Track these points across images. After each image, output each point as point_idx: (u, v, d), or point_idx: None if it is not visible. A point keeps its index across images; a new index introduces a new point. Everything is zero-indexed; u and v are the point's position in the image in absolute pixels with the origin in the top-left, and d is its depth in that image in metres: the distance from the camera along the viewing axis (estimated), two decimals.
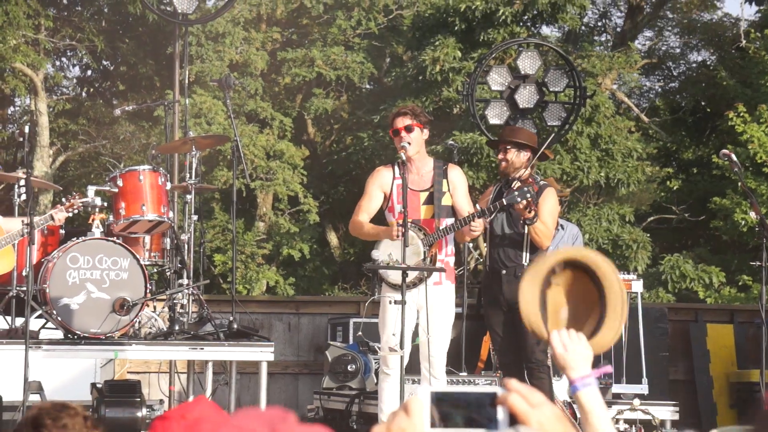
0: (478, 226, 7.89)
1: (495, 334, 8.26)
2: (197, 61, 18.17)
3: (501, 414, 2.17)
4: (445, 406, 2.17)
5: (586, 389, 2.92)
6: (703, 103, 22.39)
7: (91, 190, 8.59)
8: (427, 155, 8.35)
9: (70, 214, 8.50)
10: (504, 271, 8.22)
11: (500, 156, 8.35)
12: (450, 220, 8.08)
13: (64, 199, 8.40)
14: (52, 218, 8.13)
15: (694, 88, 22.72)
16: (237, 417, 2.07)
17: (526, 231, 8.23)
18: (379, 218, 8.27)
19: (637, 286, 10.08)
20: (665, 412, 9.64)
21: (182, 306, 8.73)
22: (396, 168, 8.14)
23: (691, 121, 22.22)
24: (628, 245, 17.97)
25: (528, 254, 8.26)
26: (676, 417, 9.19)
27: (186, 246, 8.85)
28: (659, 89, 24.39)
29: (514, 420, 2.17)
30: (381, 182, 8.15)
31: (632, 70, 21.58)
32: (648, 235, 18.50)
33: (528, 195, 8.07)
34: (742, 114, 19.13)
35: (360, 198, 8.27)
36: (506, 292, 8.13)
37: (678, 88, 23.89)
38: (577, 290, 3.31)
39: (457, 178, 8.19)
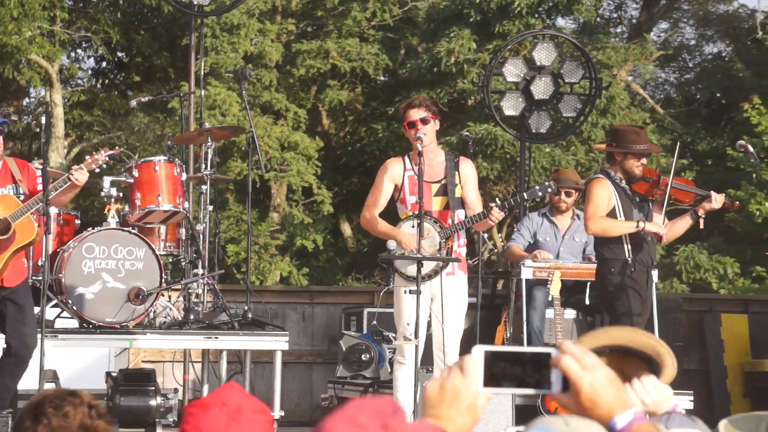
0: (498, 217, 7.94)
1: (635, 323, 8.31)
2: (212, 52, 18.18)
3: (554, 375, 2.16)
4: (498, 365, 2.17)
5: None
6: (718, 95, 22.34)
7: (107, 180, 8.63)
8: (438, 147, 8.37)
9: (97, 169, 8.38)
10: (649, 268, 8.41)
11: (641, 162, 8.41)
12: (461, 212, 8.11)
13: (87, 157, 8.29)
14: (69, 179, 7.97)
15: (709, 79, 22.67)
16: (347, 409, 2.05)
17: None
18: (391, 210, 8.28)
19: (652, 277, 10.07)
20: (679, 402, 9.64)
21: (197, 295, 8.76)
22: (407, 159, 8.16)
23: (706, 113, 22.17)
24: None
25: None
26: (691, 406, 9.19)
27: (201, 236, 8.89)
28: (674, 81, 24.35)
29: (566, 382, 2.16)
30: (392, 174, 8.16)
31: (647, 61, 21.55)
32: None
33: (549, 189, 8.21)
34: (757, 106, 19.09)
35: (371, 190, 8.28)
36: (649, 287, 8.42)
37: (693, 79, 23.84)
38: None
39: (469, 171, 8.21)
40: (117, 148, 8.73)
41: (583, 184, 10.42)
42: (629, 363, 3.23)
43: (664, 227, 8.29)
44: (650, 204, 8.45)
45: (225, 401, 2.88)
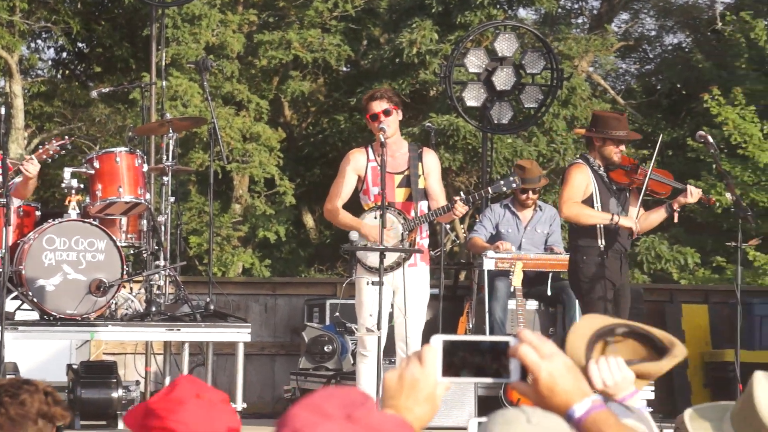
0: (462, 210, 7.95)
1: (603, 310, 8.31)
2: (173, 43, 18.10)
3: (513, 364, 2.16)
4: (457, 354, 2.17)
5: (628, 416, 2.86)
6: (678, 86, 22.45)
7: (68, 171, 8.58)
8: (402, 138, 8.37)
9: (49, 160, 8.36)
10: (622, 256, 8.37)
11: (620, 148, 8.39)
12: (424, 203, 8.11)
13: (39, 147, 8.27)
14: (20, 171, 7.96)
15: (669, 70, 22.78)
16: (314, 397, 2.05)
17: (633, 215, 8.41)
18: (354, 202, 8.28)
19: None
20: (641, 393, 9.69)
21: (159, 287, 8.73)
22: (370, 150, 8.15)
23: (666, 104, 22.28)
24: None
25: (631, 238, 8.52)
26: (651, 396, 9.25)
27: (163, 228, 8.86)
28: (635, 72, 24.46)
29: (525, 370, 2.17)
30: (355, 165, 8.15)
31: (608, 52, 21.63)
32: None
33: (514, 184, 8.24)
34: (717, 97, 19.20)
35: (334, 181, 8.28)
36: (623, 274, 8.37)
37: (654, 70, 23.96)
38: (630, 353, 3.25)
39: (432, 162, 8.21)
40: (66, 137, 8.69)
41: (545, 175, 10.46)
42: (639, 347, 3.20)
43: (637, 223, 8.29)
44: (627, 193, 8.47)
45: (198, 393, 2.86)
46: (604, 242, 8.28)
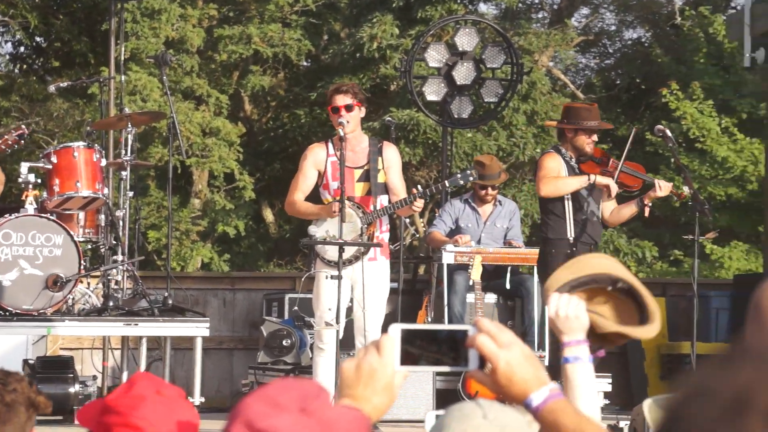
0: (420, 205, 7.97)
1: None
2: (132, 37, 18.00)
3: (471, 352, 2.16)
4: (415, 343, 2.16)
5: (577, 363, 2.82)
6: (637, 81, 22.56)
7: (25, 166, 8.53)
8: (362, 132, 8.37)
9: (7, 150, 8.32)
10: (592, 248, 8.36)
11: (593, 138, 8.39)
12: (385, 198, 8.12)
13: None
14: None
15: (629, 65, 22.88)
16: (268, 388, 2.03)
17: (602, 207, 8.41)
18: (314, 196, 8.27)
19: None
20: (597, 384, 9.73)
21: (116, 282, 8.70)
22: (330, 145, 8.15)
23: (625, 98, 22.38)
24: None
25: (602, 230, 8.53)
26: (608, 388, 9.29)
27: (121, 222, 8.82)
28: (595, 66, 24.54)
29: (483, 359, 2.16)
30: (315, 160, 8.15)
31: (568, 47, 21.69)
32: None
33: (471, 177, 8.24)
34: (675, 91, 19.31)
35: (294, 176, 8.27)
36: None
37: (613, 65, 24.05)
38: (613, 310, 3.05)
39: (392, 156, 8.22)
40: (24, 127, 8.63)
41: (504, 170, 10.48)
42: (622, 307, 3.07)
43: (614, 184, 8.27)
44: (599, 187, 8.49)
45: (157, 390, 2.84)
46: (573, 234, 8.30)
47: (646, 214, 8.50)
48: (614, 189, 8.26)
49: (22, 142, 8.71)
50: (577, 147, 8.35)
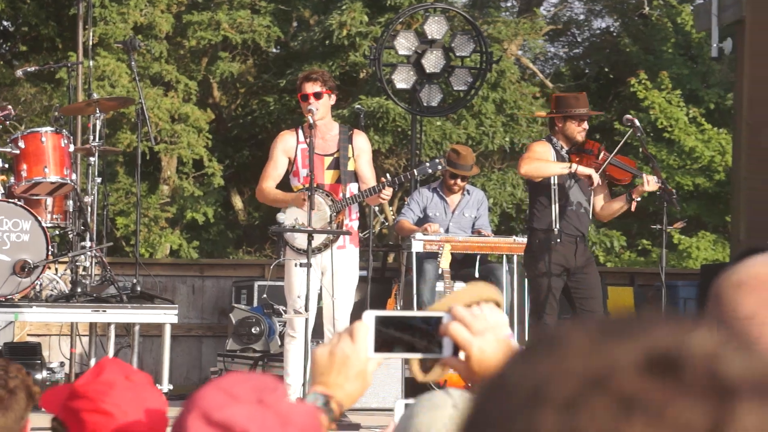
0: (388, 193, 7.98)
1: (551, 297, 8.30)
2: (101, 22, 17.92)
3: (445, 339, 2.15)
4: (389, 330, 2.16)
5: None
6: (606, 70, 22.62)
7: None
8: (333, 120, 8.37)
9: None
10: (578, 238, 8.33)
11: (583, 126, 8.39)
12: (354, 186, 8.12)
13: None
14: None
15: (597, 54, 22.94)
16: (225, 379, 2.02)
17: (591, 201, 8.41)
18: (285, 183, 8.26)
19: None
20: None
21: (84, 268, 8.67)
22: (300, 132, 8.15)
23: (594, 88, 22.43)
24: None
25: (590, 221, 8.51)
26: None
27: (89, 208, 8.78)
28: (563, 55, 24.59)
29: (457, 346, 2.16)
30: (285, 147, 8.15)
31: (537, 36, 21.73)
32: None
33: (439, 165, 8.25)
34: (643, 81, 19.38)
35: (265, 163, 8.26)
36: (578, 258, 8.30)
37: (582, 54, 24.11)
38: None
39: (362, 144, 8.22)
40: (9, 107, 8.58)
41: (476, 163, 10.49)
42: None
43: (597, 176, 8.26)
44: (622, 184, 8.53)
45: (126, 375, 2.83)
46: (557, 225, 8.31)
47: (633, 208, 8.51)
48: (596, 179, 8.26)
49: (8, 122, 8.65)
50: (567, 136, 8.36)
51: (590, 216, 8.60)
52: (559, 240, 8.26)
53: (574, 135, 8.35)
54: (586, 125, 8.43)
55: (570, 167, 8.22)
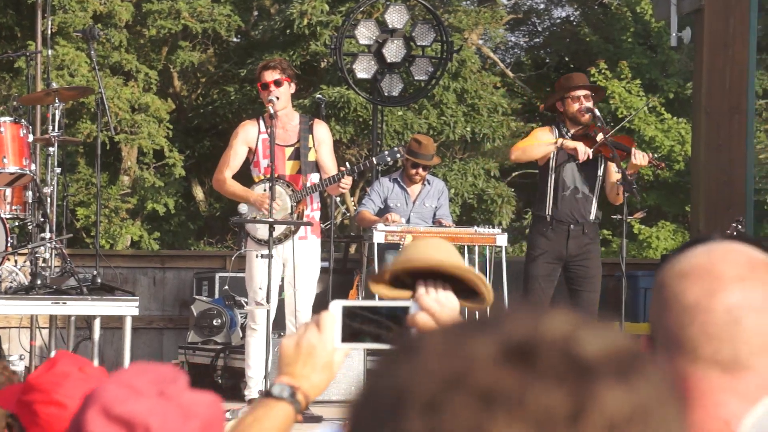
0: (348, 183, 7.97)
1: (537, 285, 8.28)
2: (60, 11, 17.79)
3: (413, 329, 2.15)
4: (356, 320, 2.14)
5: None
6: (566, 59, 22.68)
7: None
8: (293, 110, 8.35)
9: None
10: (572, 226, 8.29)
11: (581, 103, 8.31)
12: (316, 176, 8.10)
13: None
14: None
15: (558, 43, 23.00)
16: (125, 372, 2.00)
17: (597, 185, 8.35)
18: (244, 174, 8.24)
19: (502, 240, 10.20)
20: None
21: (44, 260, 8.61)
22: (261, 122, 8.12)
23: (555, 77, 22.44)
24: (493, 200, 18.18)
25: (596, 209, 8.41)
26: None
27: (48, 199, 8.72)
28: (524, 45, 24.63)
29: None
30: (246, 137, 8.12)
31: (498, 25, 21.75)
32: (512, 189, 18.73)
33: (398, 154, 8.25)
34: (603, 70, 19.44)
35: (224, 152, 8.23)
36: (571, 247, 8.22)
37: (542, 44, 24.15)
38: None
39: (323, 134, 8.21)
40: None
41: (437, 151, 10.50)
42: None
43: (586, 148, 8.18)
44: (599, 161, 8.44)
45: (80, 367, 2.82)
46: (550, 212, 8.31)
47: (619, 194, 8.38)
48: (581, 153, 8.19)
49: None
50: (569, 116, 8.35)
51: (594, 203, 8.54)
52: (551, 226, 8.27)
53: (573, 111, 8.33)
54: (584, 101, 8.35)
55: (556, 143, 8.23)
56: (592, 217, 8.52)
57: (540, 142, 8.29)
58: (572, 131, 8.40)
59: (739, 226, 8.73)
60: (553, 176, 8.32)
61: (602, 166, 8.48)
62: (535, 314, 1.02)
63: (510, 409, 0.97)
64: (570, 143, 8.22)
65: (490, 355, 0.99)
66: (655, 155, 8.97)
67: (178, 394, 1.95)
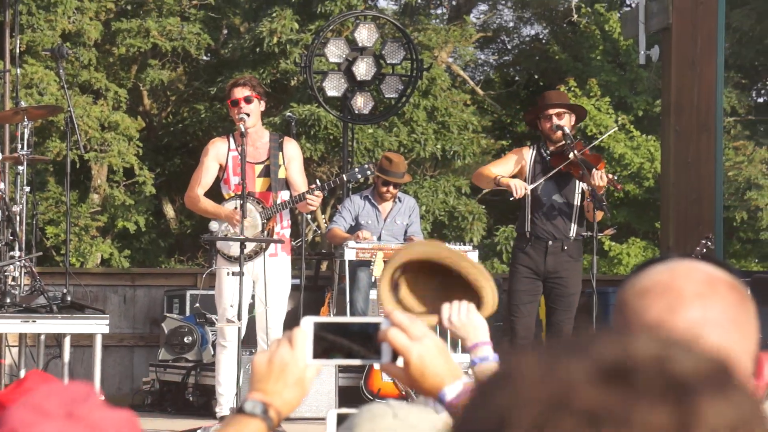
0: (316, 200, 7.96)
1: (518, 301, 8.29)
2: (28, 30, 17.75)
3: (384, 345, 2.15)
4: (328, 336, 2.15)
5: (484, 364, 2.81)
6: (536, 77, 22.77)
7: None
8: (263, 127, 8.36)
9: None
10: (551, 242, 8.28)
11: (553, 121, 8.31)
12: (286, 193, 8.11)
13: None
14: None
15: (527, 61, 23.08)
16: (34, 395, 1.98)
17: (576, 202, 8.35)
18: (215, 191, 8.23)
19: (473, 257, 10.25)
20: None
21: (14, 278, 8.57)
22: (231, 140, 8.13)
23: (524, 95, 22.58)
24: (464, 217, 18.22)
25: (576, 226, 8.39)
26: None
27: (18, 218, 8.69)
28: (494, 63, 24.71)
29: (396, 353, 2.15)
30: (216, 154, 8.12)
31: (467, 43, 21.82)
32: (483, 206, 18.77)
33: (369, 171, 8.26)
34: (573, 88, 19.52)
35: (196, 170, 8.23)
36: (549, 263, 8.22)
37: (512, 61, 24.24)
38: (426, 289, 2.98)
39: (293, 151, 8.22)
40: None
41: (408, 168, 10.51)
42: (450, 291, 3.00)
43: (521, 188, 8.17)
44: (575, 178, 8.46)
45: (45, 380, 2.82)
46: (529, 229, 8.34)
47: (590, 212, 8.41)
48: (515, 190, 8.17)
49: None
50: (544, 134, 8.42)
51: (573, 220, 8.54)
52: (530, 243, 8.31)
53: (546, 131, 8.39)
54: (556, 120, 8.37)
55: (494, 179, 8.28)
56: (572, 234, 8.51)
57: (489, 174, 8.37)
58: (551, 149, 8.44)
59: (709, 243, 8.78)
60: (530, 195, 8.35)
61: (581, 184, 8.52)
62: (619, 336, 1.05)
63: (618, 428, 0.99)
64: (504, 180, 8.24)
65: (588, 376, 1.02)
66: (618, 176, 9.02)
67: (88, 414, 1.93)
